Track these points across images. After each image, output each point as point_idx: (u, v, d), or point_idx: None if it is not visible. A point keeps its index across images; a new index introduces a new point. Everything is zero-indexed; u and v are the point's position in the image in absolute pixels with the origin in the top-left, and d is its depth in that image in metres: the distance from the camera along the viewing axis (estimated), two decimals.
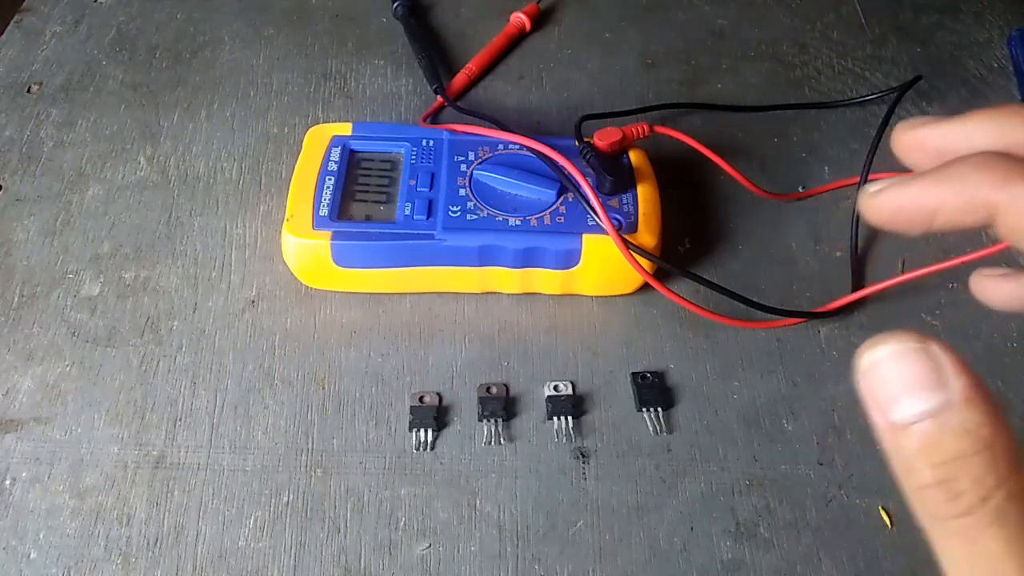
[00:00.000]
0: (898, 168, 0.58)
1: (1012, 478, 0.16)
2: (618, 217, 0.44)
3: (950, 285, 0.48)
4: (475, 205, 0.44)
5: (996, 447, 0.16)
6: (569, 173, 0.44)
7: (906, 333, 0.17)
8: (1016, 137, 0.19)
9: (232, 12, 0.63)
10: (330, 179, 0.45)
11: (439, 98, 0.56)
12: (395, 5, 0.62)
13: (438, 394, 0.43)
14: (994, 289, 0.22)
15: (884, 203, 0.20)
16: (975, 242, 0.50)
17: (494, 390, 0.43)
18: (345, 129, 0.48)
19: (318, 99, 0.57)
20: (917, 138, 0.21)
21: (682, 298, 0.44)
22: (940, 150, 0.20)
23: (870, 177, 0.51)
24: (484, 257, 0.44)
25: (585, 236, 0.43)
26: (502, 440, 0.41)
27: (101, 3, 0.63)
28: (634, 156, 0.48)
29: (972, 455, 0.16)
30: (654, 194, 0.46)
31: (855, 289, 0.47)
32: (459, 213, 0.44)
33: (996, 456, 0.16)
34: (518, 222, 0.44)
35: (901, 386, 0.17)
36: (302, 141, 0.48)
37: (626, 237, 0.43)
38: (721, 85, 0.59)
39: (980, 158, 0.18)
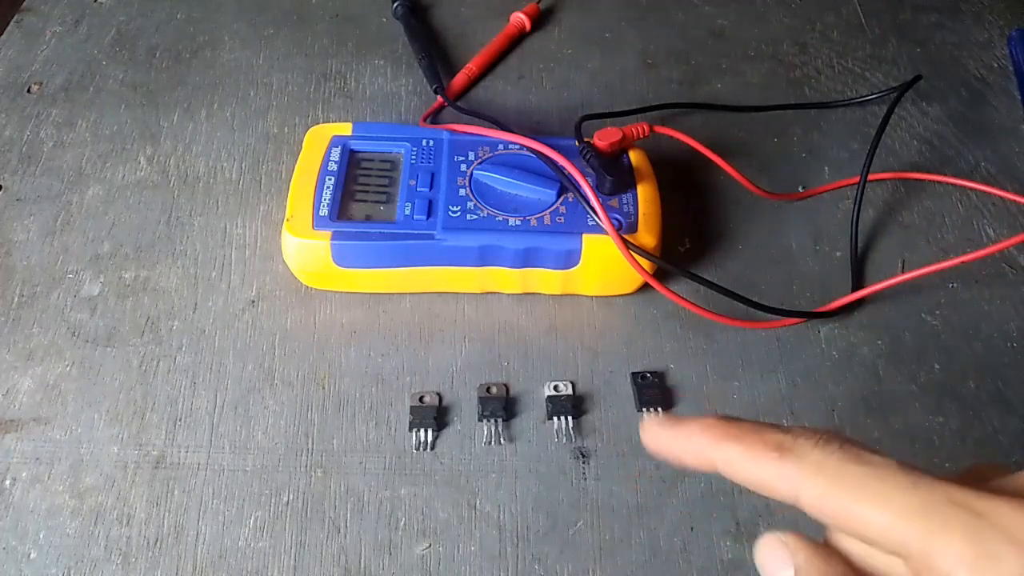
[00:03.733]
0: (897, 168, 0.58)
1: None
2: (618, 217, 0.44)
3: (950, 285, 0.48)
4: (475, 205, 0.44)
5: None
6: (569, 173, 0.44)
7: (771, 533, 0.23)
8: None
9: (232, 12, 0.63)
10: (330, 179, 0.45)
11: (439, 98, 0.56)
12: (395, 5, 0.62)
13: (438, 394, 0.43)
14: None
15: (648, 441, 0.25)
16: (975, 242, 0.50)
17: (494, 390, 0.43)
18: (345, 129, 0.48)
19: (318, 99, 0.57)
20: (654, 438, 0.26)
21: (682, 298, 0.44)
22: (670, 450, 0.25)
23: (871, 178, 0.51)
24: (484, 257, 0.44)
25: (585, 236, 0.43)
26: (502, 440, 0.41)
27: (101, 3, 0.63)
28: (634, 156, 0.48)
29: None
30: (654, 194, 0.46)
31: (855, 289, 0.47)
32: (459, 213, 0.44)
33: None
34: (518, 222, 0.44)
35: (769, 568, 0.22)
36: (302, 141, 0.48)
37: (626, 237, 0.43)
38: (721, 85, 0.59)
39: (705, 420, 0.24)
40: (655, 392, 0.43)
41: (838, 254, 0.49)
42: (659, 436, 0.25)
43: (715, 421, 0.24)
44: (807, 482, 0.21)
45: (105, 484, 0.40)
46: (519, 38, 0.62)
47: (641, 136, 0.49)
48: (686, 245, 0.50)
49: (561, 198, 0.45)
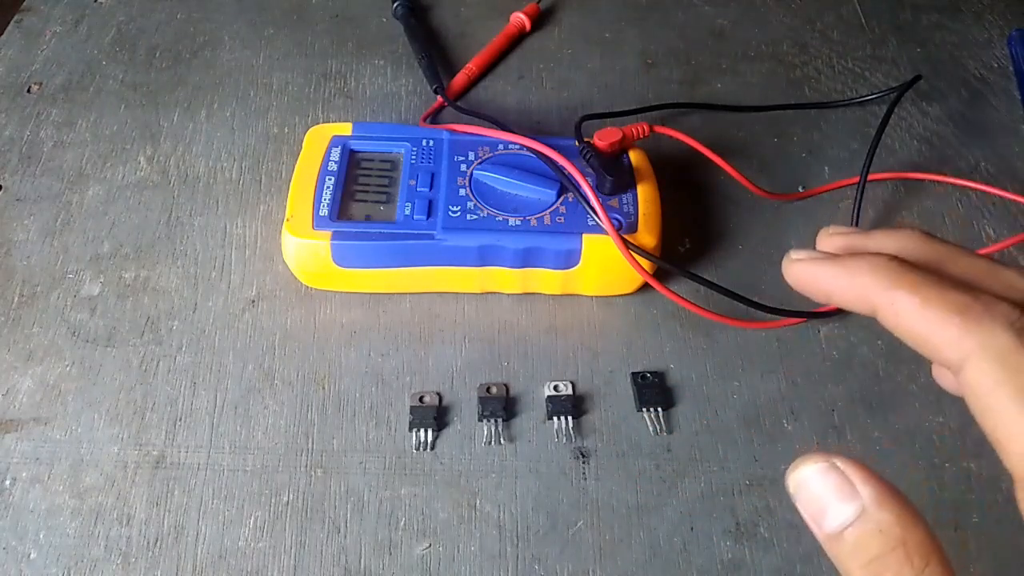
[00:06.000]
0: (897, 168, 0.58)
1: (928, 566, 0.18)
2: (618, 217, 0.44)
3: None
4: (475, 205, 0.44)
5: (908, 543, 0.18)
6: (569, 173, 0.44)
7: (815, 455, 0.20)
8: (912, 254, 0.22)
9: (232, 12, 0.63)
10: (330, 179, 0.45)
11: (439, 98, 0.56)
12: (395, 5, 0.62)
13: (438, 394, 0.43)
14: (948, 378, 0.24)
15: (796, 273, 0.23)
16: (976, 243, 0.50)
17: (494, 390, 0.43)
18: (345, 129, 0.48)
19: (318, 99, 0.57)
20: (833, 245, 0.24)
21: (682, 298, 0.44)
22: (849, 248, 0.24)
23: (871, 178, 0.51)
24: (484, 257, 0.44)
25: (585, 236, 0.43)
26: (502, 440, 0.41)
27: (101, 3, 0.63)
28: (634, 156, 0.48)
29: (889, 552, 0.18)
30: (654, 194, 0.46)
31: None
32: (459, 213, 0.44)
33: (909, 550, 0.18)
34: (518, 222, 0.44)
35: (824, 500, 0.19)
36: (302, 141, 0.48)
37: (626, 237, 0.43)
38: (721, 85, 0.59)
39: (877, 260, 0.21)
40: (655, 392, 0.43)
41: None
42: (810, 271, 0.22)
43: (887, 262, 0.21)
44: (980, 365, 0.18)
45: (105, 484, 0.40)
46: (519, 38, 0.62)
47: (641, 136, 0.49)
48: (686, 245, 0.50)
49: (561, 198, 0.45)
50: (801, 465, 0.20)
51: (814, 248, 0.24)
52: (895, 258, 0.21)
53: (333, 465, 0.41)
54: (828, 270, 0.22)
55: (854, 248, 0.23)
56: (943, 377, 0.24)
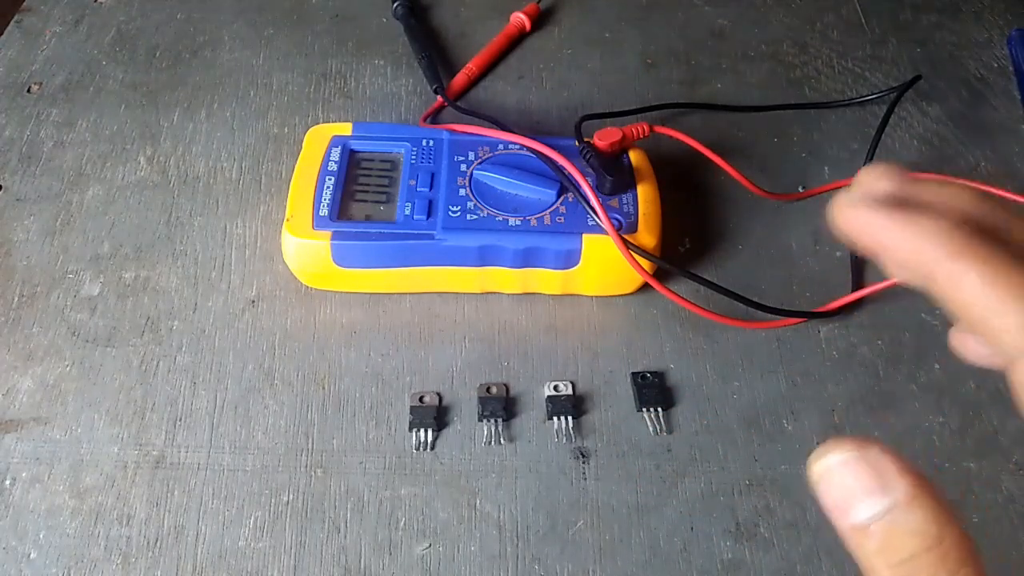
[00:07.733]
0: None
1: (963, 569, 0.17)
2: (618, 217, 0.44)
3: None
4: (475, 205, 0.44)
5: (945, 542, 0.17)
6: (569, 173, 0.44)
7: (847, 441, 0.18)
8: (970, 213, 0.20)
9: (232, 12, 0.63)
10: (330, 179, 0.45)
11: (439, 98, 0.56)
12: (395, 5, 0.62)
13: (438, 394, 0.43)
14: (971, 347, 0.23)
15: (849, 220, 0.20)
16: None
17: (494, 390, 0.43)
18: (345, 129, 0.48)
19: (318, 99, 0.57)
20: (881, 190, 0.21)
21: (682, 298, 0.44)
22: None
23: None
24: (484, 257, 0.44)
25: (585, 236, 0.43)
26: (502, 440, 0.41)
27: (101, 3, 0.63)
28: (634, 156, 0.48)
29: (923, 552, 0.17)
30: (654, 194, 0.46)
31: (855, 289, 0.47)
32: (459, 213, 0.44)
33: (946, 551, 0.17)
34: (518, 222, 0.44)
35: (851, 492, 0.18)
36: (302, 141, 0.48)
37: (626, 237, 0.43)
38: (721, 85, 0.59)
39: (943, 224, 0.19)
40: (655, 392, 0.43)
41: (838, 254, 0.49)
42: (865, 220, 0.20)
43: (953, 228, 0.18)
44: None
45: (105, 484, 0.40)
46: (519, 38, 0.62)
47: (641, 136, 0.49)
48: (686, 245, 0.50)
49: (561, 198, 0.45)
50: (828, 453, 0.18)
51: (846, 192, 0.21)
52: (963, 223, 0.19)
53: (333, 465, 0.41)
54: (887, 224, 0.19)
55: (906, 198, 0.20)
56: (967, 347, 0.23)
